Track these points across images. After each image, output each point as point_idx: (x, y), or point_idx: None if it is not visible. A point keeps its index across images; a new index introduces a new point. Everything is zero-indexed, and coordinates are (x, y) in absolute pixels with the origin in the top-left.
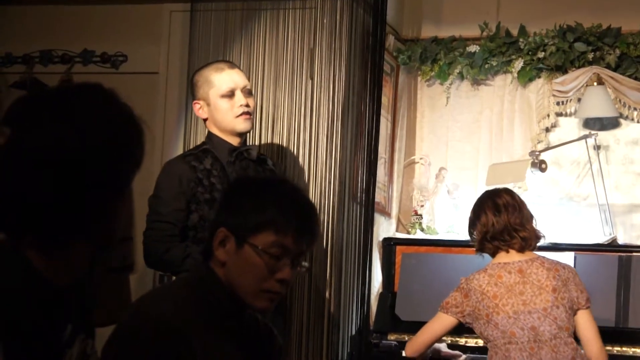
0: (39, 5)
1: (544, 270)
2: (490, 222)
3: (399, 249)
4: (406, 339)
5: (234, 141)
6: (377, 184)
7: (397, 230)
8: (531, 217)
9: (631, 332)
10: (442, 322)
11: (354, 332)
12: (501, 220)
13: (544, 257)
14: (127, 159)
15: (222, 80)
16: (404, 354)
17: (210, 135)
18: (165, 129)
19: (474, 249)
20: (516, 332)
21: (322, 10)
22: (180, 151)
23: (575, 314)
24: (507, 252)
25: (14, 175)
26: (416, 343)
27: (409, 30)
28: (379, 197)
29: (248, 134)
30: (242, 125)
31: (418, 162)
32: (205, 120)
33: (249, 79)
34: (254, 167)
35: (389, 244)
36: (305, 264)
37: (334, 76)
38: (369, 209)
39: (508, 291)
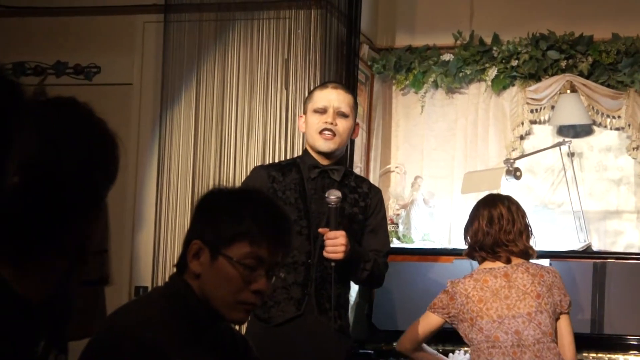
0: (11, 17)
1: (529, 275)
2: (480, 233)
3: None
4: (383, 348)
5: (322, 160)
6: None
7: None
8: (525, 231)
9: (607, 338)
10: (428, 320)
11: None
12: (492, 233)
13: (529, 262)
14: (102, 174)
15: (319, 96)
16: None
17: (304, 149)
18: (140, 141)
19: (464, 253)
20: (500, 337)
21: (296, 21)
22: (154, 163)
23: (558, 318)
24: (493, 262)
25: None
26: (404, 340)
27: (383, 40)
28: None
29: (325, 152)
30: (321, 142)
31: (393, 171)
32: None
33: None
34: (337, 188)
35: None
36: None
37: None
38: None
39: (493, 295)
